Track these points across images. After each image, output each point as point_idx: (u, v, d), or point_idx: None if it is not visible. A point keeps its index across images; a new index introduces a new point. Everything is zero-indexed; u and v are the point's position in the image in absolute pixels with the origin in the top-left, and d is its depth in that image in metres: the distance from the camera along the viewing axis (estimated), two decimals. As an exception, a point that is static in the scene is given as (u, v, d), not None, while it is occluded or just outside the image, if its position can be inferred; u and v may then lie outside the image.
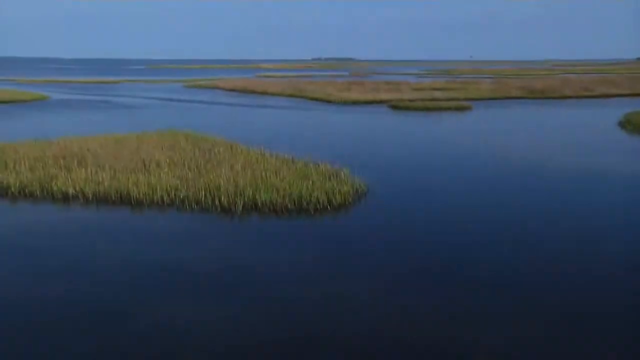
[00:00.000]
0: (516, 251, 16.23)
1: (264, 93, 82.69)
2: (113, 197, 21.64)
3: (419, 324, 11.98)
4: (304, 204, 20.44)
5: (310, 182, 22.16)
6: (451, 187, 24.30)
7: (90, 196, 21.84)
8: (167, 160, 26.13)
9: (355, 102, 65.39)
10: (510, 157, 31.57)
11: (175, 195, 21.40)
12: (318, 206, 20.37)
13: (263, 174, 23.38)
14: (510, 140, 38.14)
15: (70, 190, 22.17)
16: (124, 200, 21.42)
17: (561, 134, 41.53)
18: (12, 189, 22.54)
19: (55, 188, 22.36)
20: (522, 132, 42.46)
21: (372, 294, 13.42)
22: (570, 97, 74.73)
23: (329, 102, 67.21)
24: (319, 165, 25.45)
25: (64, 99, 76.09)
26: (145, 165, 25.25)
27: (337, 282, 14.04)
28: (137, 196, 21.39)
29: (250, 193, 20.91)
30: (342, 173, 24.13)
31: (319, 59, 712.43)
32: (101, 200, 21.62)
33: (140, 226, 18.80)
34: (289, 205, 20.29)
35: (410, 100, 62.70)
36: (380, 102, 65.04)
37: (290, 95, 76.97)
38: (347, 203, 21.03)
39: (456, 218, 19.55)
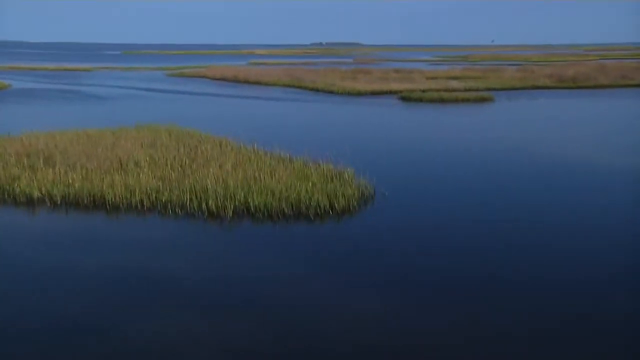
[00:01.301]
0: (546, 266, 16.20)
1: (257, 83, 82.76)
2: (85, 201, 21.63)
3: (436, 348, 11.96)
4: (303, 208, 20.44)
5: (310, 184, 22.15)
6: (470, 190, 24.29)
7: (59, 200, 21.84)
8: (147, 159, 26.13)
9: (360, 93, 65.44)
10: (539, 156, 31.55)
11: (156, 198, 21.40)
12: (319, 211, 20.37)
13: (256, 174, 23.37)
14: (539, 137, 38.13)
15: (36, 193, 22.17)
16: (98, 204, 21.42)
17: (598, 130, 41.54)
18: (-31, 191, 22.54)
19: (17, 190, 22.36)
20: (552, 127, 42.47)
21: (380, 313, 13.39)
22: (606, 86, 74.73)
23: (330, 92, 67.28)
24: (319, 165, 25.45)
25: (27, 88, 76.17)
26: (122, 165, 25.25)
27: (340, 299, 14.03)
28: (113, 200, 21.39)
29: (242, 196, 20.90)
30: (346, 173, 24.13)
31: (320, 44, 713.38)
32: (71, 204, 21.62)
33: (117, 234, 18.79)
34: (285, 210, 20.29)
35: (423, 91, 62.73)
36: (389, 92, 65.10)
37: (287, 85, 77.03)
38: (351, 208, 21.03)
39: (475, 226, 19.52)
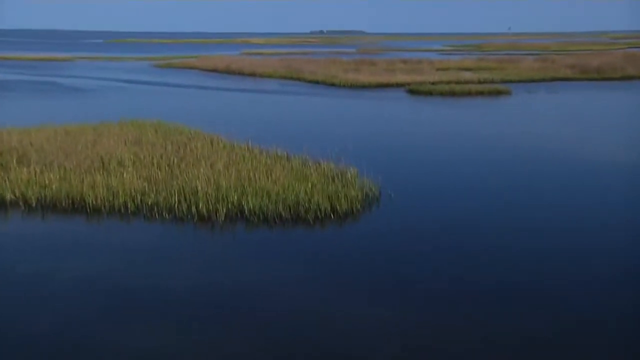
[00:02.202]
0: (572, 275, 16.16)
1: (251, 74, 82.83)
2: (63, 204, 21.60)
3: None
4: (302, 211, 20.42)
5: (310, 185, 22.14)
6: (485, 192, 24.26)
7: (34, 202, 21.81)
8: (132, 158, 26.12)
9: (364, 86, 65.48)
10: (560, 156, 31.53)
11: (141, 201, 21.37)
12: (319, 214, 20.35)
13: (251, 174, 23.36)
14: (561, 134, 38.11)
15: (8, 195, 22.14)
16: (77, 207, 21.39)
17: (627, 127, 41.49)
18: (-64, 193, 22.50)
19: (-11, 192, 22.33)
20: (575, 124, 42.45)
21: (386, 329, 13.34)
22: (635, 78, 74.56)
23: (332, 85, 67.32)
24: (320, 164, 25.44)
25: None
26: (103, 164, 25.24)
27: (343, 313, 13.98)
28: (94, 202, 21.35)
29: (235, 198, 20.88)
30: (349, 173, 24.11)
31: (320, 33, 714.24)
32: (48, 207, 21.58)
33: (98, 240, 18.76)
34: (282, 213, 20.27)
35: (433, 83, 62.76)
36: (396, 85, 65.12)
37: (284, 77, 77.07)
38: (354, 210, 21.00)
39: (492, 232, 19.49)
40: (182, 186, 22.09)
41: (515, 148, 32.93)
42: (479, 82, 65.64)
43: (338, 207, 20.78)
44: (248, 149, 28.69)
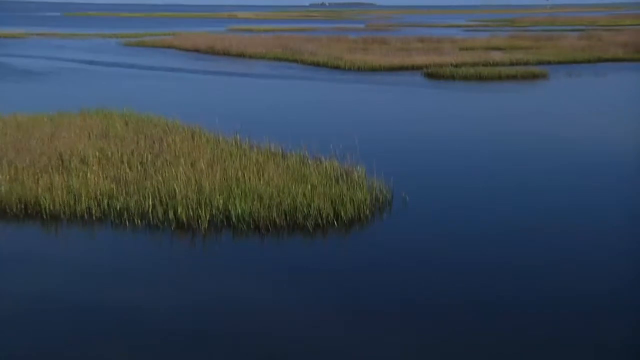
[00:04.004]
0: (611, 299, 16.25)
1: (240, 55, 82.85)
2: (14, 209, 21.65)
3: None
4: (300, 217, 20.48)
5: (309, 187, 22.19)
6: (514, 196, 24.32)
7: (-19, 207, 21.88)
8: (97, 154, 26.17)
9: (374, 69, 65.52)
10: (607, 156, 31.55)
11: (108, 205, 21.44)
12: (320, 221, 20.41)
13: (239, 174, 23.41)
14: (608, 129, 38.12)
15: (-51, 199, 22.18)
16: (31, 212, 21.45)
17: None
18: None
19: None
20: (628, 116, 42.45)
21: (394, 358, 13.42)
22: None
23: (336, 68, 67.37)
24: (321, 162, 25.48)
25: (-60, 62, 76.34)
26: (63, 162, 25.28)
27: (345, 341, 14.03)
28: (51, 207, 21.41)
29: (221, 202, 20.94)
30: (356, 173, 24.17)
31: (322, 5, 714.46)
32: (-3, 212, 21.67)
33: (55, 251, 18.85)
34: (277, 220, 20.33)
35: (456, 66, 62.80)
36: (412, 68, 65.17)
37: (279, 59, 77.14)
38: (362, 217, 21.08)
39: (523, 243, 19.56)
40: (158, 188, 22.13)
41: (552, 146, 32.93)
42: (511, 64, 65.67)
43: (342, 212, 20.83)
44: (236, 144, 28.73)
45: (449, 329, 14.31)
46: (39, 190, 22.14)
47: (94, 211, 21.24)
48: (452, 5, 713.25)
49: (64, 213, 21.26)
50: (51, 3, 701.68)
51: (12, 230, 20.50)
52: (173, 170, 23.75)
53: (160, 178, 23.06)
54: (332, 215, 20.66)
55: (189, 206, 20.86)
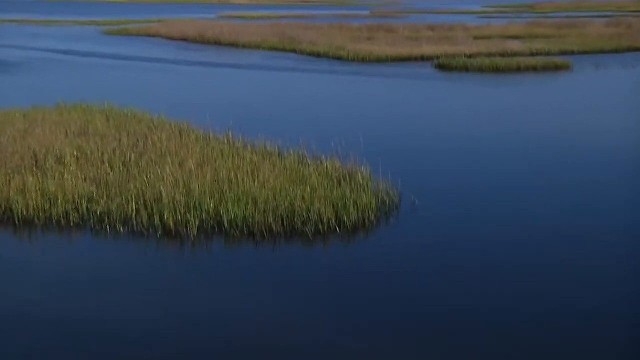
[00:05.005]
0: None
1: (232, 45, 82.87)
2: (-15, 213, 21.75)
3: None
4: (298, 223, 20.52)
5: (308, 189, 22.21)
6: (537, 198, 24.38)
7: (-53, 211, 21.93)
8: (75, 153, 26.18)
9: (380, 60, 65.58)
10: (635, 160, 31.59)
11: (88, 209, 21.46)
12: (321, 227, 20.44)
13: (232, 175, 23.44)
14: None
15: None
16: (2, 217, 21.46)
17: None
18: None
19: None
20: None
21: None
22: None
23: (338, 59, 67.41)
24: (322, 162, 25.52)
25: None
26: (37, 161, 25.28)
27: (347, 355, 14.09)
28: (24, 212, 21.42)
29: (212, 206, 20.98)
30: (360, 174, 24.20)
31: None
32: (-35, 217, 21.72)
33: (29, 260, 18.90)
34: (273, 226, 20.36)
35: (469, 56, 62.88)
36: (421, 58, 65.28)
37: (276, 49, 77.19)
38: (367, 222, 21.12)
39: (545, 254, 19.62)
40: (142, 190, 22.15)
41: (576, 142, 32.98)
42: (531, 55, 65.79)
43: (345, 217, 20.86)
44: (228, 142, 28.77)
45: (462, 346, 14.38)
46: (11, 193, 22.16)
47: (71, 216, 21.23)
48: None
49: (39, 218, 21.26)
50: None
51: (-17, 237, 20.55)
52: (159, 171, 23.77)
53: (145, 179, 23.08)
54: (333, 220, 20.68)
55: (177, 210, 20.88)
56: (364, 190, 22.78)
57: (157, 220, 20.66)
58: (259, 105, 43.86)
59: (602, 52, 71.37)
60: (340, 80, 55.34)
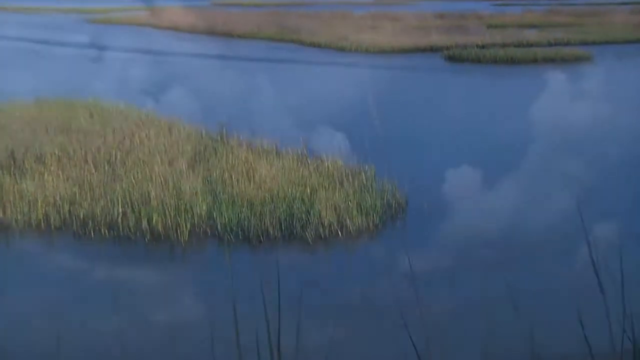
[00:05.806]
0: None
1: (226, 34, 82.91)
2: (-42, 216, 21.80)
3: None
4: (297, 227, 20.59)
5: (308, 190, 22.30)
6: (557, 202, 24.40)
7: None
8: (56, 152, 26.27)
9: (385, 51, 65.56)
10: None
11: (70, 212, 21.54)
12: (321, 231, 20.52)
13: (226, 175, 23.52)
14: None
15: None
16: (-22, 221, 21.59)
17: None
18: None
19: None
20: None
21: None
22: None
23: (340, 50, 67.40)
24: (322, 161, 25.58)
25: None
26: (15, 161, 25.37)
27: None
28: (1, 214, 21.54)
29: (204, 209, 21.05)
30: (364, 174, 24.26)
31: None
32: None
33: (6, 267, 18.92)
34: (270, 230, 20.44)
35: (482, 47, 62.88)
36: (430, 49, 65.20)
37: (273, 39, 77.21)
38: (371, 226, 21.19)
39: (565, 265, 19.66)
40: (129, 192, 22.24)
41: (598, 142, 33.03)
42: (549, 45, 65.79)
43: (348, 221, 20.94)
44: (221, 139, 28.83)
45: (466, 354, 14.39)
46: (-13, 195, 22.28)
47: (52, 220, 21.32)
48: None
49: (17, 222, 21.35)
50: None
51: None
52: (147, 171, 23.85)
53: (131, 180, 23.17)
54: (335, 224, 20.77)
55: (167, 214, 20.95)
56: (367, 191, 22.85)
57: (144, 224, 20.73)
58: (254, 100, 43.86)
59: (626, 42, 71.23)
60: (341, 73, 55.44)
